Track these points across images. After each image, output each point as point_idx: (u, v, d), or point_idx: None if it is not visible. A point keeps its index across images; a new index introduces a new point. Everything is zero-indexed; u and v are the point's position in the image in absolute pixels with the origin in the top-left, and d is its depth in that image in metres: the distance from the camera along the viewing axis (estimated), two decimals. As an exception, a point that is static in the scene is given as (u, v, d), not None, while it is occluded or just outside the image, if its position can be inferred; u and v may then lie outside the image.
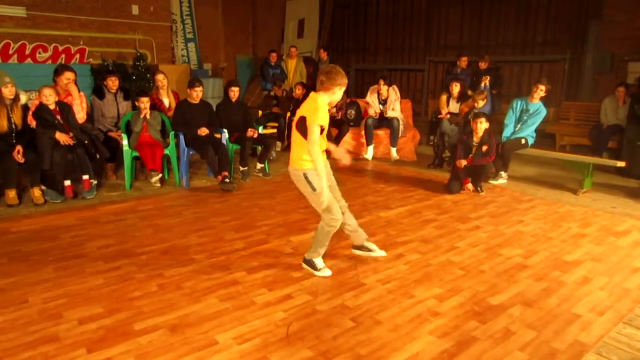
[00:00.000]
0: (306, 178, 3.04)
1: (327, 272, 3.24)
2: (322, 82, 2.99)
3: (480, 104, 6.27)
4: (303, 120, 2.98)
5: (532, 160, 6.86)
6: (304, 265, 3.31)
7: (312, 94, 3.08)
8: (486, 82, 7.61)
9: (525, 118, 5.99)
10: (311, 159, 3.00)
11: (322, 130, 3.00)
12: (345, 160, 3.31)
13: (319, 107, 2.97)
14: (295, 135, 3.07)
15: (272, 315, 2.70)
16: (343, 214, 3.19)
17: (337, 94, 3.02)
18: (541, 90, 5.90)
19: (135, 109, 5.59)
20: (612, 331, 2.60)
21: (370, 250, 3.43)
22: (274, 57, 9.39)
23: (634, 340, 2.52)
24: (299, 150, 3.06)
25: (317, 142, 2.93)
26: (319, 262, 3.26)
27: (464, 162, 5.23)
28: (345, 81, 3.03)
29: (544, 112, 5.96)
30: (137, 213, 4.52)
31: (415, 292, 3.01)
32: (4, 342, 2.39)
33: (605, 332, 2.58)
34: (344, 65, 12.96)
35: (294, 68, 9.56)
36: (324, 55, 9.62)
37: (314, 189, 3.03)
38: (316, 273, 3.23)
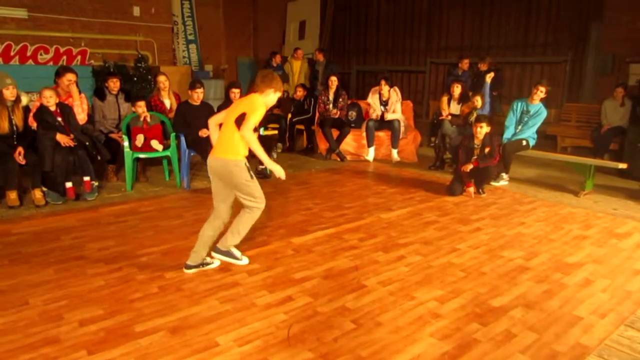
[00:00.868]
0: (246, 166, 3.14)
1: (246, 260, 3.37)
2: (257, 84, 3.15)
3: (479, 101, 6.30)
4: (243, 115, 3.08)
5: (533, 161, 6.85)
6: (218, 257, 3.34)
7: (251, 93, 3.20)
8: (489, 79, 7.52)
9: (526, 119, 5.99)
10: (239, 151, 3.10)
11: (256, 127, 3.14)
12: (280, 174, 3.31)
13: (260, 106, 3.08)
14: (231, 128, 3.13)
15: (272, 316, 2.70)
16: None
17: (271, 97, 3.17)
18: (541, 92, 5.89)
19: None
20: (614, 333, 2.59)
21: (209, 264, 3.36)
22: (276, 59, 9.41)
23: (635, 342, 2.51)
24: (236, 142, 3.12)
25: (251, 131, 3.02)
26: (236, 251, 3.37)
27: (469, 166, 5.19)
28: (280, 86, 3.19)
29: (544, 113, 5.96)
30: (138, 214, 4.52)
31: (416, 294, 3.00)
32: (4, 343, 2.39)
33: (606, 335, 2.57)
34: (344, 66, 13.08)
35: (298, 69, 9.58)
36: (320, 56, 9.60)
37: (252, 177, 3.14)
38: (237, 262, 3.34)
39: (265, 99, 3.14)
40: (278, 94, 3.20)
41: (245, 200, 3.18)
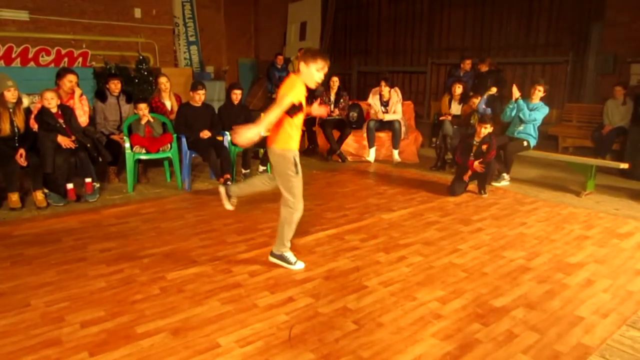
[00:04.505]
0: (294, 159, 3.07)
1: (302, 265, 3.31)
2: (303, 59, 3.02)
3: (475, 102, 6.32)
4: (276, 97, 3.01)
5: (534, 162, 6.84)
6: (275, 260, 3.33)
7: (291, 75, 3.10)
8: (492, 92, 7.42)
9: (527, 112, 5.95)
10: (293, 139, 3.04)
11: (301, 108, 3.01)
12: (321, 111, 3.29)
13: (297, 85, 2.98)
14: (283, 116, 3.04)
15: (274, 317, 2.70)
16: None
17: (313, 73, 2.99)
18: (539, 91, 5.91)
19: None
20: (616, 333, 2.58)
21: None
22: (280, 60, 9.43)
23: (637, 342, 2.50)
24: (284, 131, 3.06)
25: (278, 113, 2.91)
26: (290, 255, 3.31)
27: (478, 166, 5.22)
28: (320, 59, 2.99)
29: (546, 108, 5.96)
30: (139, 216, 4.52)
31: (417, 294, 3.00)
32: (6, 345, 2.39)
33: (608, 335, 2.57)
34: (345, 67, 13.09)
35: None
36: None
37: (297, 172, 3.08)
38: (291, 267, 3.28)
39: (304, 78, 3.00)
40: (320, 70, 2.98)
41: (284, 193, 3.15)
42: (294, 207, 3.15)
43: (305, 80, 3.04)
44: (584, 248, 3.85)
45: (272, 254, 3.37)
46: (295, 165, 3.08)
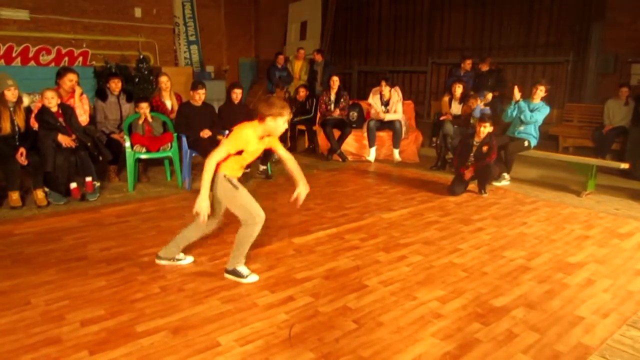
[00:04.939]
0: (225, 177, 3.03)
1: (255, 277, 3.16)
2: (259, 111, 2.92)
3: (474, 102, 6.32)
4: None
5: (535, 161, 6.84)
6: (229, 277, 3.18)
7: (245, 124, 3.02)
8: (487, 99, 7.39)
9: (528, 114, 5.95)
10: (228, 166, 3.02)
11: (240, 154, 2.99)
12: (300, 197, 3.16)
13: (240, 137, 2.95)
14: None
15: (274, 317, 2.70)
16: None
17: (277, 122, 2.92)
18: (540, 90, 5.91)
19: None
20: (616, 333, 2.58)
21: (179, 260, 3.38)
22: (280, 60, 9.43)
23: (637, 342, 2.50)
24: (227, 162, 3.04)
25: (214, 161, 2.91)
26: (243, 269, 3.17)
27: (469, 174, 5.26)
28: (282, 112, 2.91)
29: (547, 108, 5.96)
30: (140, 215, 4.52)
31: (417, 294, 3.00)
32: (6, 343, 2.39)
33: (608, 335, 2.57)
34: (346, 66, 13.09)
35: (299, 69, 9.59)
36: (318, 57, 9.61)
37: (235, 187, 3.04)
38: (243, 281, 3.12)
39: (266, 127, 2.94)
40: (283, 119, 2.94)
41: (238, 214, 3.08)
42: (254, 222, 3.04)
43: (271, 131, 2.99)
44: (584, 248, 3.85)
45: (227, 271, 3.20)
46: (229, 181, 3.02)
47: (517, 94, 6.04)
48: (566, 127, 8.27)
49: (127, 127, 5.47)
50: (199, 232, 3.25)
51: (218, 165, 3.00)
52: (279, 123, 2.95)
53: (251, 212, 3.04)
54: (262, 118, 2.92)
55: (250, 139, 2.98)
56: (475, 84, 8.07)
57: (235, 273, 3.16)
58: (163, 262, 3.35)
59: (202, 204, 2.92)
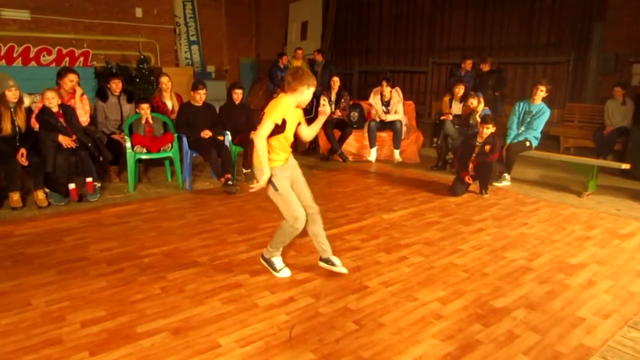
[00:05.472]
0: (269, 178, 3.02)
1: (287, 273, 3.23)
2: (288, 83, 3.00)
3: (474, 104, 6.32)
4: (262, 116, 3.00)
5: (535, 162, 6.83)
6: (263, 263, 3.29)
7: (280, 94, 3.08)
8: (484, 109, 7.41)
9: (529, 119, 5.97)
10: (271, 158, 3.00)
11: (283, 128, 2.97)
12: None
13: (279, 105, 2.97)
14: None
15: (274, 317, 2.70)
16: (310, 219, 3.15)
17: (305, 94, 3.03)
18: (541, 91, 5.90)
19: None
20: (617, 335, 2.58)
21: (333, 264, 3.28)
22: (283, 60, 9.43)
23: (638, 343, 2.50)
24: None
25: (263, 136, 2.92)
26: (277, 261, 3.25)
27: (469, 179, 5.27)
28: (313, 81, 3.03)
29: (547, 112, 5.95)
30: (140, 215, 4.52)
31: (418, 295, 3.00)
32: (7, 344, 2.39)
33: (609, 336, 2.56)
34: (346, 66, 13.08)
35: None
36: (318, 57, 9.60)
37: (275, 189, 3.03)
38: (275, 274, 3.21)
39: (297, 98, 3.02)
40: (312, 89, 3.04)
41: (279, 208, 3.11)
42: (289, 223, 3.06)
43: (300, 102, 3.06)
44: (585, 249, 3.84)
45: (263, 257, 3.30)
46: (272, 184, 3.02)
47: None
48: (567, 128, 8.26)
49: (127, 128, 5.47)
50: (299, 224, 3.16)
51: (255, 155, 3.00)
52: (310, 93, 3.06)
53: (292, 215, 3.05)
54: (295, 89, 2.99)
55: (289, 105, 3.02)
56: (475, 84, 8.07)
57: (269, 263, 3.25)
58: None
59: (263, 179, 2.96)
